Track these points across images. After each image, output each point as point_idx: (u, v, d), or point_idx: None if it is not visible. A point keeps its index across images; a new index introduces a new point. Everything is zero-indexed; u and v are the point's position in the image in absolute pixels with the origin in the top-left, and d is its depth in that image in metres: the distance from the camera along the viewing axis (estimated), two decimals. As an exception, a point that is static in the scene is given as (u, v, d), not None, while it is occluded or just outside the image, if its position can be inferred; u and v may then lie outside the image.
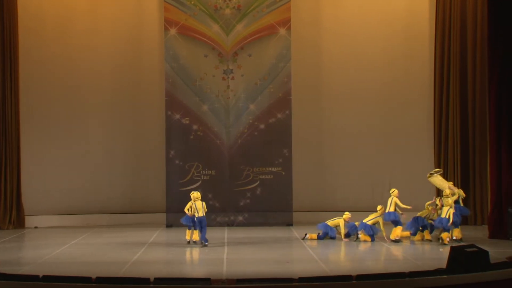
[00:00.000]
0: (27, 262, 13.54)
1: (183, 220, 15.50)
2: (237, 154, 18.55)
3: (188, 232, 15.49)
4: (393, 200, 15.78)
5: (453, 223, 15.25)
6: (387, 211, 15.78)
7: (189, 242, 15.37)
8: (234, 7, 18.62)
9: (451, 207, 15.34)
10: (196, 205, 15.23)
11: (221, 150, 18.57)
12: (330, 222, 16.22)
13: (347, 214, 16.10)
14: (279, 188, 18.42)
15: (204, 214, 15.24)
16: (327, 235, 16.11)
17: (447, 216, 15.22)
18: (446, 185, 15.92)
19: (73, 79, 19.14)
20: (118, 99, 19.29)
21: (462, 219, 15.77)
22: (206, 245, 15.09)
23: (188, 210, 15.30)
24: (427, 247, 15.22)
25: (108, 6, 19.28)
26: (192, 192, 15.64)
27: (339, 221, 16.09)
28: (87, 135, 19.22)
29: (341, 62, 19.39)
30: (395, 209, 15.80)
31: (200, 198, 15.35)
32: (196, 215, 15.18)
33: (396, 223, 15.73)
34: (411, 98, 19.31)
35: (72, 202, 18.95)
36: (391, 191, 15.96)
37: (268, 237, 16.50)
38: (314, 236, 16.13)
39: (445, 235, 15.26)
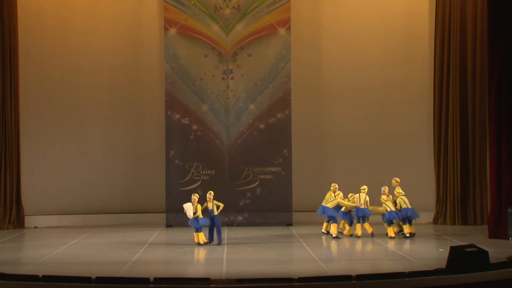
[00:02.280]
0: (27, 262, 13.53)
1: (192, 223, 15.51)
2: (237, 154, 18.55)
3: (196, 234, 15.41)
4: (336, 200, 16.45)
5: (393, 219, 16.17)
6: (330, 204, 16.46)
7: (199, 244, 15.36)
8: (234, 7, 18.61)
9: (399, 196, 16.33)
10: (213, 204, 15.47)
11: (221, 150, 18.57)
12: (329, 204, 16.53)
13: (334, 185, 16.69)
14: (279, 188, 18.43)
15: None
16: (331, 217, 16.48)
17: (408, 206, 16.16)
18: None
19: (73, 79, 19.15)
20: (118, 99, 19.30)
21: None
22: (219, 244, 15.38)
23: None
24: (427, 247, 15.21)
25: (107, 6, 19.29)
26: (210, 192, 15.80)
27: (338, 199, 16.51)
28: (87, 135, 19.22)
29: (341, 62, 19.39)
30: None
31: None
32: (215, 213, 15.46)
33: (332, 219, 16.33)
34: (411, 98, 19.31)
35: (71, 202, 18.96)
36: (336, 193, 16.59)
37: (268, 237, 16.51)
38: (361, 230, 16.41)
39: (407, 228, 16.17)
